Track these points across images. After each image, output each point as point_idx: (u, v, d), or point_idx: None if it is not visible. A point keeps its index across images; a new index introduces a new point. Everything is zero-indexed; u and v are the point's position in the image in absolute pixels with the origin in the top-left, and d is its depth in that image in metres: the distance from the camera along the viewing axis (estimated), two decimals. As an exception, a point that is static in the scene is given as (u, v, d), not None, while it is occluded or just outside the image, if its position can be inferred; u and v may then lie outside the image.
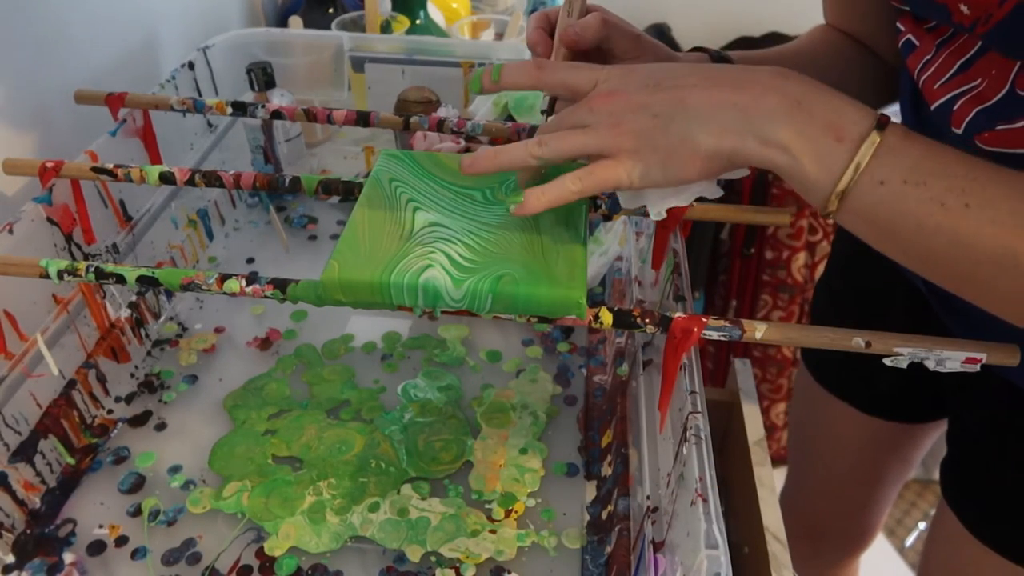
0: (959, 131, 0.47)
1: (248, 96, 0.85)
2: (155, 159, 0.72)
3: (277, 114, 0.67)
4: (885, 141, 0.37)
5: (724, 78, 0.40)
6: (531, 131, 0.63)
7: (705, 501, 0.38)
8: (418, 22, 1.08)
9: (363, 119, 0.66)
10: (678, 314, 0.44)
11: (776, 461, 1.57)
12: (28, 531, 0.56)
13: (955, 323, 0.59)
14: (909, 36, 0.52)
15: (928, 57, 0.50)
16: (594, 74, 0.43)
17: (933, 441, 0.81)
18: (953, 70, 0.48)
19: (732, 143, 0.39)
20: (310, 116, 0.66)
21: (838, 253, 0.79)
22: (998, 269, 0.36)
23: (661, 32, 1.53)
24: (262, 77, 0.83)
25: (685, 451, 0.41)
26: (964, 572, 0.64)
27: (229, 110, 0.67)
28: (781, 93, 0.39)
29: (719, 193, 0.44)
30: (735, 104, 0.39)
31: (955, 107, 0.47)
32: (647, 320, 0.45)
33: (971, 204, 0.36)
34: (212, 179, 0.58)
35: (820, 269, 1.38)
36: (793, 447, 0.92)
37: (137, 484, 0.59)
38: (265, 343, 0.72)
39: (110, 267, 0.48)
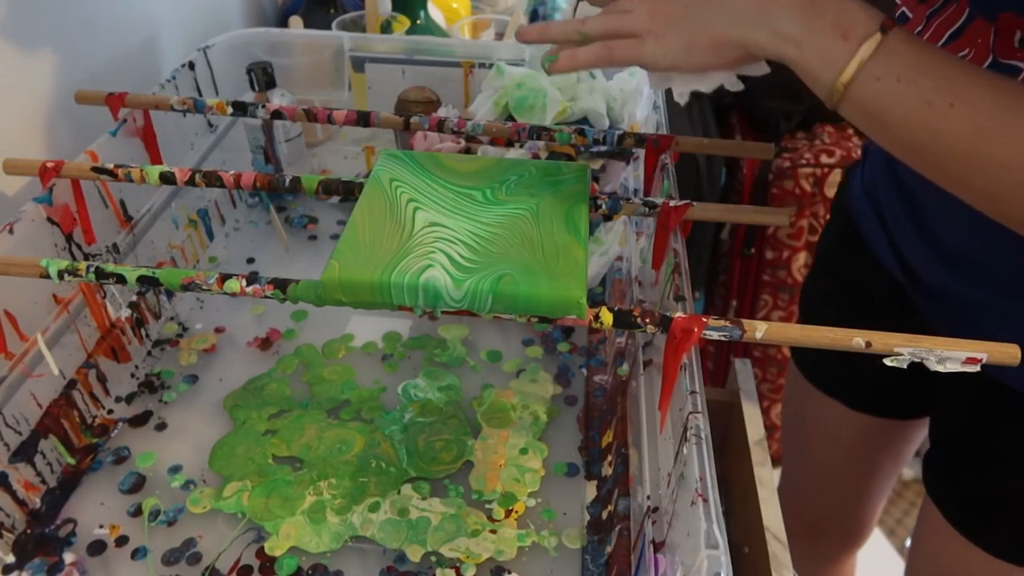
0: None
1: (248, 96, 0.85)
2: (155, 159, 0.72)
3: (277, 114, 0.67)
4: (886, 42, 0.41)
5: None
6: (531, 131, 0.63)
7: (705, 501, 0.38)
8: (418, 22, 1.08)
9: (363, 119, 0.66)
10: (678, 314, 0.44)
11: (776, 461, 1.56)
12: (28, 531, 0.56)
13: (928, 306, 0.61)
14: (903, 8, 0.54)
15: (919, 28, 0.51)
16: None
17: (923, 436, 0.81)
18: (943, 40, 0.49)
19: (748, 34, 0.43)
20: (310, 116, 0.66)
21: (822, 248, 0.80)
22: (973, 169, 0.39)
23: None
24: (262, 77, 0.83)
25: (685, 451, 0.41)
26: (948, 567, 0.65)
27: (229, 110, 0.67)
28: None
29: (739, 86, 0.48)
30: (757, 0, 0.43)
31: None
32: (647, 320, 0.45)
33: (955, 105, 0.39)
34: (212, 179, 0.58)
35: (820, 269, 1.38)
36: (786, 444, 0.93)
37: (137, 484, 0.59)
38: (265, 343, 0.72)
39: (110, 267, 0.48)
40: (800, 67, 0.43)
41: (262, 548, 0.55)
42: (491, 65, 0.88)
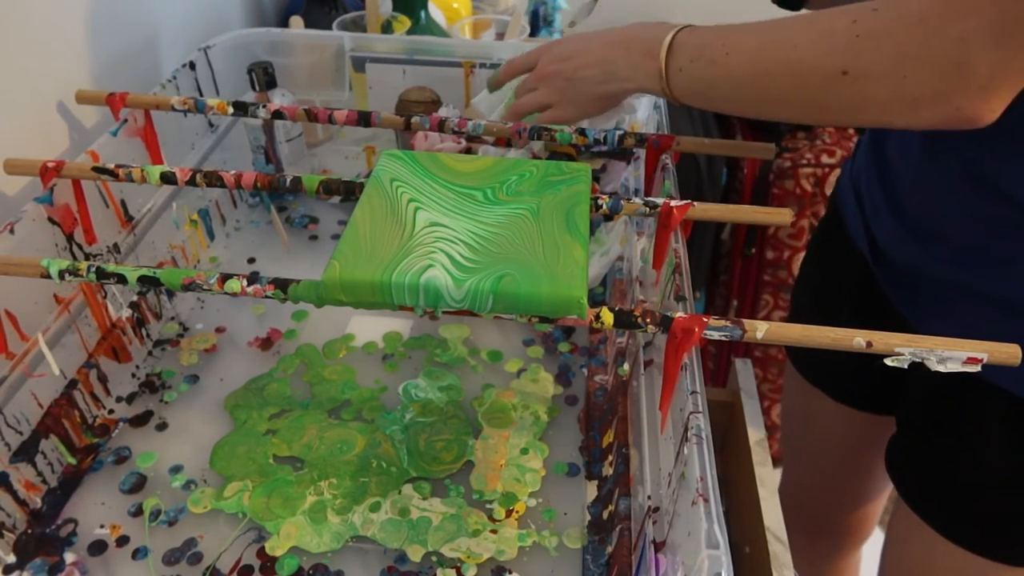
0: None
1: (249, 96, 0.85)
2: (156, 159, 0.72)
3: (278, 114, 0.67)
4: (675, 41, 0.54)
5: (597, 42, 0.60)
6: (531, 130, 0.64)
7: (706, 501, 0.38)
8: (419, 22, 1.08)
9: (364, 119, 0.66)
10: (679, 314, 0.44)
11: (777, 461, 1.57)
12: (29, 531, 0.56)
13: (895, 289, 0.63)
14: None
15: None
16: (534, 55, 0.66)
17: None
18: None
19: (605, 88, 0.60)
20: (311, 116, 0.66)
21: (811, 239, 0.83)
22: (767, 91, 0.49)
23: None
24: (263, 77, 0.83)
25: (686, 451, 0.41)
26: (919, 558, 0.66)
27: (230, 110, 0.67)
28: (622, 43, 0.58)
29: (634, 111, 0.72)
30: (600, 61, 0.60)
31: None
32: (648, 320, 0.45)
33: (730, 52, 0.50)
34: (213, 179, 0.58)
35: (821, 269, 1.38)
36: (785, 442, 0.94)
37: (138, 484, 0.59)
38: (266, 343, 0.72)
39: (111, 267, 0.48)
40: (645, 91, 0.58)
41: (263, 548, 0.55)
42: (492, 65, 0.88)
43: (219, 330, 0.73)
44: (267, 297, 0.47)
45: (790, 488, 0.93)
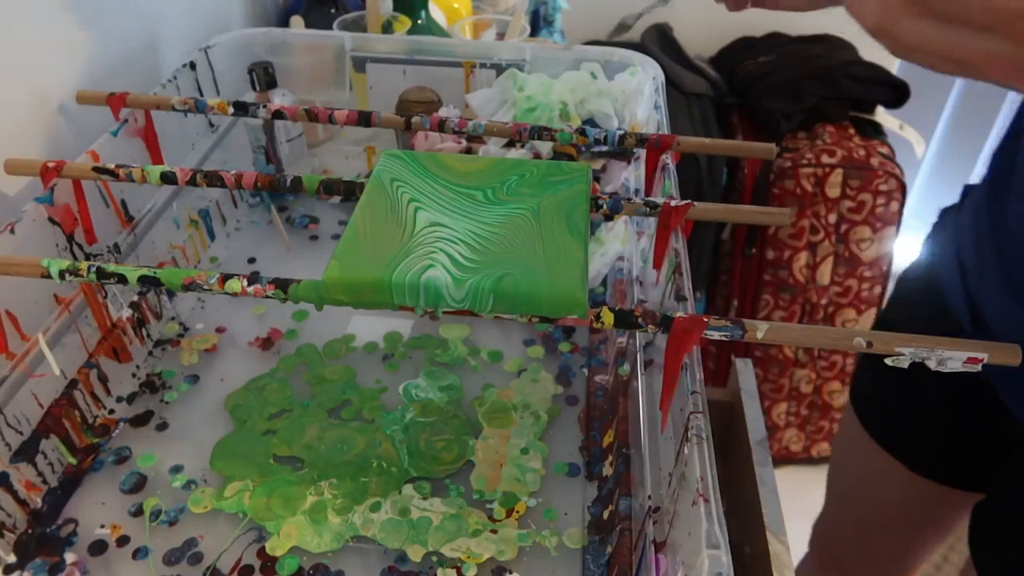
0: None
1: (250, 96, 0.85)
2: (156, 159, 0.72)
3: (279, 114, 0.67)
4: None
5: None
6: (533, 131, 0.63)
7: (707, 501, 0.38)
8: (419, 22, 1.08)
9: (364, 119, 0.66)
10: (679, 314, 0.44)
11: (778, 461, 1.57)
12: (29, 531, 0.56)
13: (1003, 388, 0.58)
14: None
15: None
16: None
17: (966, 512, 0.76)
18: None
19: None
20: (312, 116, 0.66)
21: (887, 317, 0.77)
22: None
23: (663, 32, 1.53)
24: (264, 77, 0.83)
25: (686, 451, 0.41)
26: None
27: (231, 110, 0.67)
28: None
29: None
30: None
31: None
32: (648, 320, 0.45)
33: None
34: (214, 179, 0.58)
35: (821, 269, 1.38)
36: (831, 485, 0.90)
37: (139, 484, 0.59)
38: (267, 343, 0.72)
39: (112, 267, 0.48)
40: None
41: (263, 548, 0.55)
42: (493, 65, 0.88)
43: (219, 330, 0.73)
44: (267, 297, 0.47)
45: (827, 530, 0.90)
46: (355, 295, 0.46)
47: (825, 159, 1.30)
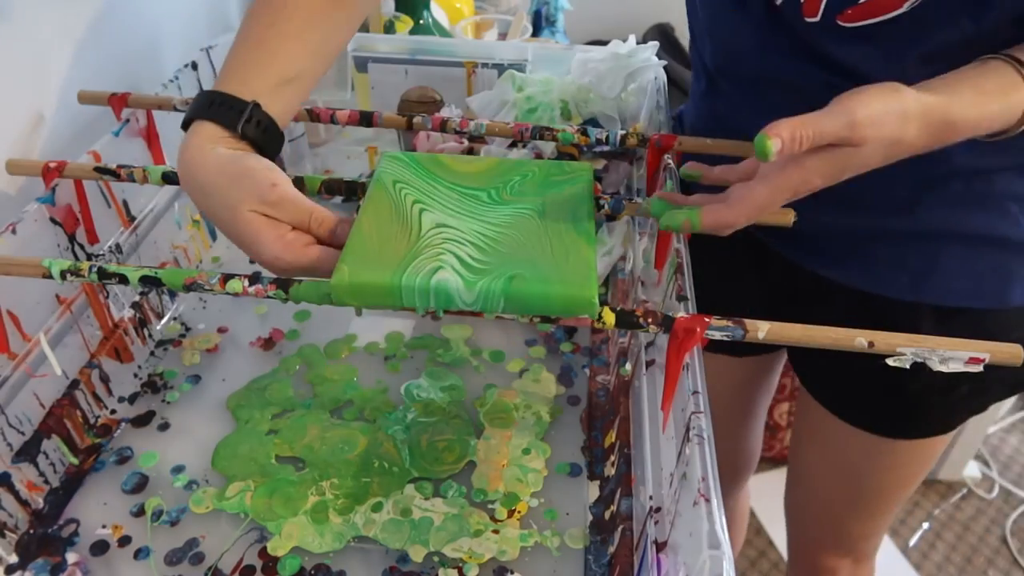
0: (816, 19, 0.51)
1: (251, 96, 0.85)
2: (158, 159, 0.72)
3: (280, 114, 0.67)
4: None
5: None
6: (532, 130, 0.63)
7: (708, 501, 0.37)
8: (421, 22, 1.08)
9: (366, 119, 0.66)
10: (681, 314, 0.44)
11: (778, 461, 1.56)
12: (31, 531, 0.56)
13: (792, 247, 0.66)
14: None
15: None
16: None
17: (782, 365, 0.89)
18: None
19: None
20: (313, 116, 0.66)
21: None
22: None
23: (664, 32, 1.53)
24: (265, 77, 0.83)
25: (688, 451, 0.41)
26: (827, 442, 0.75)
27: (232, 110, 0.67)
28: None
29: None
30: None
31: None
32: (650, 320, 0.45)
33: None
34: (215, 179, 0.57)
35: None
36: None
37: (140, 484, 0.59)
38: (268, 343, 0.72)
39: (113, 267, 0.48)
40: None
41: (265, 548, 0.55)
42: (495, 65, 0.88)
43: (221, 330, 0.73)
44: (269, 297, 0.47)
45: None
46: (364, 298, 0.45)
47: (827, 159, 1.30)
